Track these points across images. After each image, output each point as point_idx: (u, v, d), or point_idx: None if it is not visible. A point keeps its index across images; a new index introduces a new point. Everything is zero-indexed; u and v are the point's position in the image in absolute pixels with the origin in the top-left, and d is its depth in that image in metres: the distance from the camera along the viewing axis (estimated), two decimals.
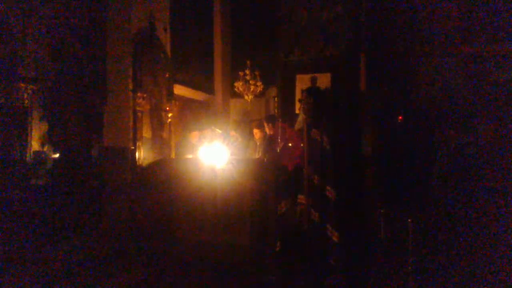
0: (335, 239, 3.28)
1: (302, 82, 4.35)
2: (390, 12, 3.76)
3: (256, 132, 5.93)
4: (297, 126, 3.71)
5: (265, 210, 4.31)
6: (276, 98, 7.36)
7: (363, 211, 3.64)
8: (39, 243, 4.51)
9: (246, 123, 9.04)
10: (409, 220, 3.16)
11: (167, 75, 6.06)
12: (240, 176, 4.62)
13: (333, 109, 3.81)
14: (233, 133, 6.75)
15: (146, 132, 5.49)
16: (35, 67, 4.82)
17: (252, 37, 9.86)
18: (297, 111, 4.16)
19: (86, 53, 5.26)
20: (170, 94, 6.18)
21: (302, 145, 3.52)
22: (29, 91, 4.68)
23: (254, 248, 4.31)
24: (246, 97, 9.96)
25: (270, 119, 5.73)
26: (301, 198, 3.45)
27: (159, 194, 4.87)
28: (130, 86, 5.13)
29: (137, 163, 5.14)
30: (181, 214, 4.74)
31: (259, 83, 9.81)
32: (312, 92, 3.73)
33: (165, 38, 6.12)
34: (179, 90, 7.51)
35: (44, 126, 4.98)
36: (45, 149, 4.94)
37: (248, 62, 9.78)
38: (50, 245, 4.57)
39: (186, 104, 8.46)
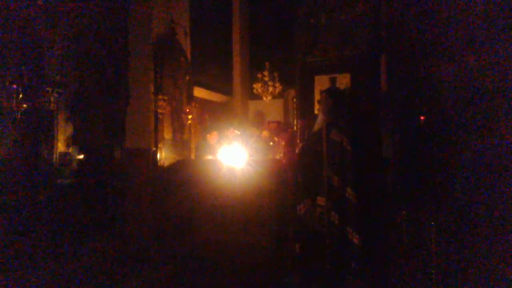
0: (356, 241, 3.24)
1: (321, 83, 4.31)
2: (412, 11, 3.69)
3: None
4: (316, 127, 3.68)
5: (284, 211, 4.30)
6: (294, 99, 7.34)
7: (385, 213, 3.58)
8: (64, 242, 4.65)
9: (265, 124, 9.05)
10: (431, 223, 3.09)
11: (187, 78, 6.15)
12: (259, 177, 4.64)
13: (353, 110, 3.77)
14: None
15: (167, 134, 5.58)
16: (61, 71, 4.98)
17: (270, 38, 9.87)
18: (316, 112, 4.13)
19: (109, 58, 5.40)
20: (190, 96, 6.26)
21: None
22: (55, 95, 4.84)
23: (273, 249, 4.31)
24: (264, 98, 9.99)
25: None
26: (320, 199, 3.42)
27: (179, 195, 4.94)
28: (152, 89, 5.23)
29: (158, 164, 5.23)
30: (201, 215, 4.79)
31: (277, 84, 9.83)
32: (331, 92, 3.70)
33: (185, 42, 6.21)
34: (199, 92, 7.61)
35: (69, 129, 5.14)
36: (70, 150, 5.10)
37: (266, 63, 9.81)
38: (75, 244, 4.70)
39: (205, 106, 8.55)
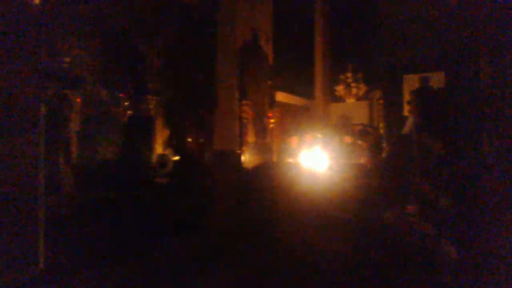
0: (451, 254, 2.98)
1: (410, 83, 4.08)
2: None
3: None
4: (406, 129, 3.50)
5: (368, 218, 4.15)
6: (380, 101, 7.04)
7: (486, 224, 3.23)
8: (159, 236, 5.08)
9: (348, 127, 8.81)
10: None
11: (269, 83, 6.31)
12: (341, 182, 4.55)
13: (448, 111, 3.49)
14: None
15: (250, 137, 5.80)
16: (159, 81, 5.53)
17: (354, 38, 9.58)
18: (405, 114, 3.91)
19: (198, 67, 5.82)
20: (272, 101, 6.41)
21: None
22: (154, 102, 5.40)
23: (356, 257, 4.17)
24: (347, 100, 9.74)
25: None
26: (411, 208, 3.23)
27: (262, 196, 5.08)
28: (237, 95, 5.48)
29: (243, 166, 5.45)
30: (283, 216, 4.86)
31: (361, 86, 9.50)
32: (422, 93, 3.49)
33: (267, 47, 6.37)
34: (280, 96, 7.72)
35: (166, 132, 5.66)
36: (167, 152, 5.61)
37: (350, 65, 9.56)
38: (169, 239, 5.11)
39: (286, 110, 8.64)
